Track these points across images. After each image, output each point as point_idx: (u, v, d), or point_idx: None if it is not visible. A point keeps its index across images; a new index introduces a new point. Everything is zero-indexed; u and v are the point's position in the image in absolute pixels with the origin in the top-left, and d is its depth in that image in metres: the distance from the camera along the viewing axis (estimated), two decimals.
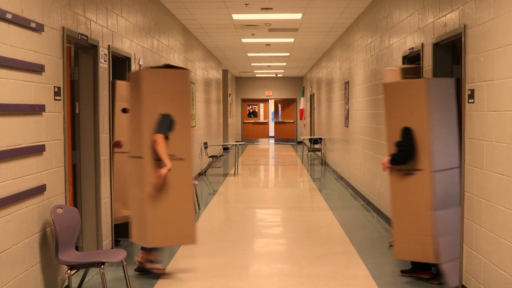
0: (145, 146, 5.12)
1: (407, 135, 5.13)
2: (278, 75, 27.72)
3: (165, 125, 5.14)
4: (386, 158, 5.32)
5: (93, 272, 5.44)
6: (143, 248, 5.48)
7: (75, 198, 5.68)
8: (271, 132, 30.70)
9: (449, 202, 5.09)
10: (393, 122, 5.32)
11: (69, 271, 4.48)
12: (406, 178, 5.22)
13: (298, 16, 10.47)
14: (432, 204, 5.01)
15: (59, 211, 4.48)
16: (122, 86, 6.39)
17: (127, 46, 6.89)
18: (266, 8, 9.72)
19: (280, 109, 29.61)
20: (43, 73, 4.41)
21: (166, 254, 6.34)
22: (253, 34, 12.88)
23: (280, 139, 29.35)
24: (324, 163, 16.70)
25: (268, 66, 21.92)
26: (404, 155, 5.15)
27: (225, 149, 23.04)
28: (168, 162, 5.08)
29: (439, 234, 5.01)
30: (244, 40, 13.98)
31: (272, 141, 29.70)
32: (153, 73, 5.24)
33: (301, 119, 26.81)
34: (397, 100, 5.26)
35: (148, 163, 5.12)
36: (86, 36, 5.36)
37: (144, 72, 5.19)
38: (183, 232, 5.27)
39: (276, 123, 29.81)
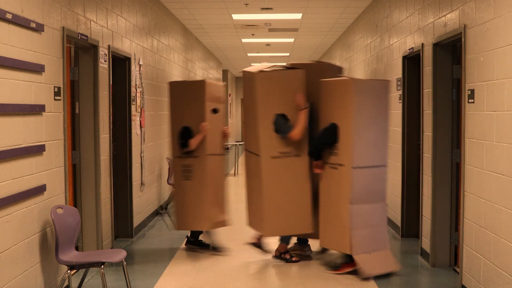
0: (261, 144, 5.68)
1: (325, 129, 5.51)
2: None
3: (284, 124, 5.68)
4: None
5: (93, 272, 5.44)
6: (282, 240, 6.01)
7: (75, 198, 5.68)
8: None
9: (369, 198, 5.42)
10: (323, 119, 5.63)
11: (69, 271, 4.48)
12: (331, 172, 5.52)
13: (298, 16, 10.47)
14: (349, 198, 5.32)
15: (59, 211, 4.48)
16: (212, 86, 6.31)
17: (127, 46, 6.89)
18: (266, 8, 9.71)
19: None
20: (43, 73, 4.41)
21: (166, 254, 6.35)
22: (253, 34, 12.88)
23: None
24: None
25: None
26: (315, 145, 5.60)
27: (225, 149, 23.02)
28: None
29: (354, 227, 5.32)
30: (244, 40, 13.98)
31: None
32: (268, 76, 5.72)
33: None
34: (327, 98, 5.56)
35: (263, 160, 5.70)
36: (86, 36, 5.36)
37: (258, 75, 5.67)
38: (301, 221, 5.73)
39: None
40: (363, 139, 5.36)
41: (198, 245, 6.49)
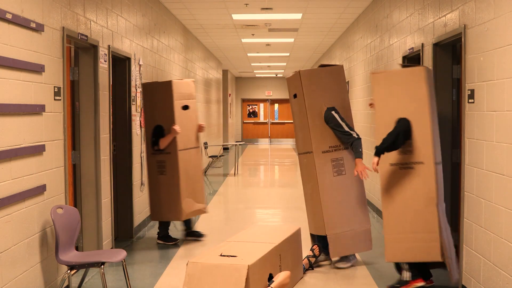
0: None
1: (397, 125, 4.80)
2: (278, 75, 27.72)
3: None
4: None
5: (93, 272, 5.44)
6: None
7: (75, 198, 5.68)
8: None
9: (442, 197, 4.91)
10: (386, 115, 4.93)
11: (69, 271, 4.48)
12: (403, 173, 4.85)
13: (298, 16, 10.47)
14: (436, 199, 4.73)
15: (59, 211, 4.48)
16: (180, 85, 6.69)
17: (127, 46, 6.89)
18: (266, 8, 9.72)
19: (277, 109, 29.53)
20: (43, 73, 4.41)
21: (166, 254, 6.35)
22: (253, 34, 12.88)
23: (277, 140, 29.30)
24: None
25: (268, 66, 21.93)
26: (383, 143, 4.79)
27: (225, 149, 23.04)
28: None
29: (442, 229, 4.76)
30: (244, 40, 13.98)
31: (273, 140, 29.65)
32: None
33: None
34: (390, 91, 4.92)
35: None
36: (86, 36, 5.36)
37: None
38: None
39: (272, 123, 29.61)
40: (435, 133, 4.85)
41: (167, 240, 6.82)
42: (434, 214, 4.72)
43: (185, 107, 6.72)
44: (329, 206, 5.59)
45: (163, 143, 6.55)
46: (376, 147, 4.86)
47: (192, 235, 7.00)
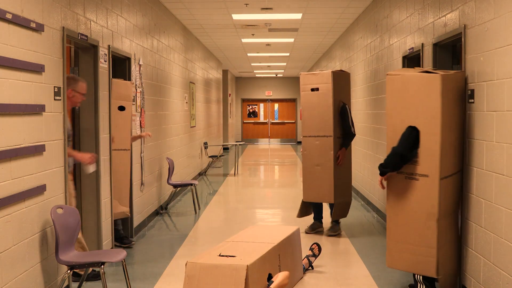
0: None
1: (404, 136, 4.67)
2: (278, 75, 27.71)
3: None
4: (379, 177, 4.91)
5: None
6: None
7: (75, 198, 5.67)
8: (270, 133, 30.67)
9: (451, 210, 4.72)
10: (396, 119, 4.80)
11: (69, 271, 4.48)
12: (408, 183, 4.70)
13: (298, 16, 10.47)
14: (437, 215, 4.54)
15: (59, 211, 4.48)
16: (118, 84, 6.45)
17: (127, 46, 6.89)
18: (266, 8, 9.72)
19: (276, 109, 29.50)
20: (43, 73, 4.41)
21: (166, 254, 6.35)
22: (253, 34, 12.88)
23: (276, 140, 29.30)
24: None
25: (268, 66, 21.92)
26: (389, 157, 4.71)
27: (225, 149, 23.04)
28: None
29: (440, 246, 4.59)
30: (244, 40, 13.98)
31: (273, 140, 29.65)
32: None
33: (301, 119, 26.73)
34: (403, 96, 4.74)
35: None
36: (86, 36, 5.36)
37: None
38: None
39: (272, 123, 29.57)
40: (448, 144, 4.57)
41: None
42: (434, 230, 4.56)
43: (121, 108, 6.49)
44: (336, 180, 7.05)
45: None
46: (380, 167, 4.81)
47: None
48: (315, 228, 7.34)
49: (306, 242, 6.34)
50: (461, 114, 4.70)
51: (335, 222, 7.28)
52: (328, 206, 7.52)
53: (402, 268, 4.86)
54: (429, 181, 4.56)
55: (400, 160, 4.67)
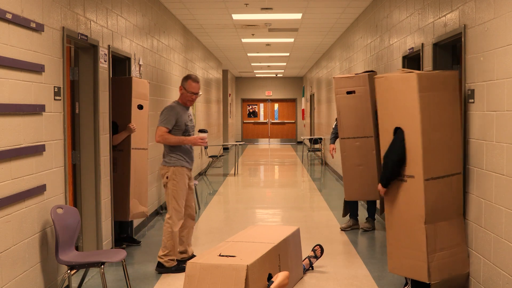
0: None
1: (393, 140, 4.64)
2: (278, 75, 27.71)
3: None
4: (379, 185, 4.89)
5: (93, 272, 5.44)
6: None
7: (75, 198, 5.68)
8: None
9: (446, 213, 4.58)
10: (385, 121, 4.79)
11: (69, 271, 4.48)
12: (399, 185, 4.67)
13: (298, 16, 10.47)
14: (423, 217, 4.45)
15: (59, 211, 4.48)
16: (137, 83, 6.51)
17: (127, 46, 6.89)
18: (266, 8, 9.71)
19: (276, 109, 29.48)
20: (43, 73, 4.41)
21: None
22: (253, 34, 12.88)
23: (276, 140, 29.28)
24: (324, 163, 16.70)
25: (268, 66, 21.92)
26: (386, 168, 4.70)
27: (225, 149, 23.04)
28: None
29: (431, 250, 4.47)
30: (244, 40, 13.98)
31: (272, 140, 29.64)
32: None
33: (303, 119, 26.73)
34: (387, 97, 4.76)
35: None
36: (86, 36, 5.36)
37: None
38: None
39: (272, 123, 29.53)
40: (434, 143, 4.49)
41: (131, 241, 6.72)
42: (422, 233, 4.47)
43: (140, 107, 6.56)
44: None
45: (116, 140, 6.31)
46: (383, 181, 4.79)
47: (129, 241, 6.72)
48: (352, 226, 7.53)
49: (308, 244, 6.34)
50: (456, 113, 4.63)
51: (372, 218, 7.55)
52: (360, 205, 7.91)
53: (399, 272, 4.83)
54: (415, 182, 4.51)
55: (398, 166, 4.64)
